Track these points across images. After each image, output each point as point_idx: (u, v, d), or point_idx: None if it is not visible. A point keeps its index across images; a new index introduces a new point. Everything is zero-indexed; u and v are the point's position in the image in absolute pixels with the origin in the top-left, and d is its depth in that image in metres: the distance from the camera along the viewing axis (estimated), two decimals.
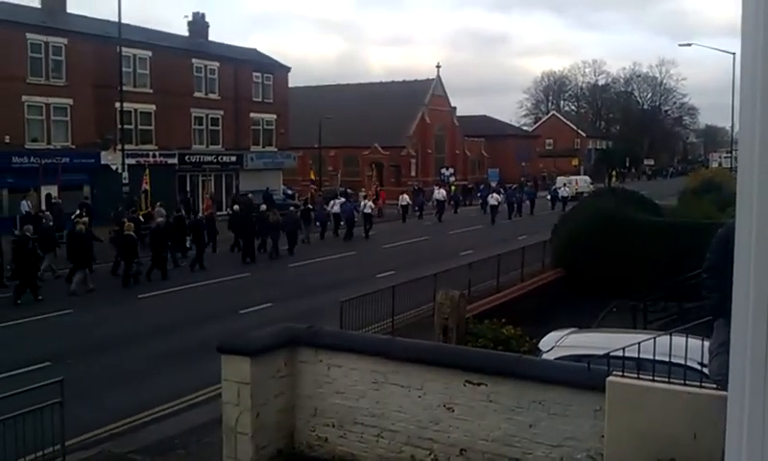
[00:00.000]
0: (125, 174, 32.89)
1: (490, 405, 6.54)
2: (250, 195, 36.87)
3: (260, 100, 47.63)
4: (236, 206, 32.38)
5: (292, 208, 28.38)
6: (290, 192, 48.84)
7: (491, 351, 8.15)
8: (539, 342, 9.70)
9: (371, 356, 7.19)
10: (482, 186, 55.68)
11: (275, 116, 48.78)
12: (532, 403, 6.35)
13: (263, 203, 32.83)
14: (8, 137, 32.88)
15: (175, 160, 41.10)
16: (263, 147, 48.14)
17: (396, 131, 62.56)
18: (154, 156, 39.83)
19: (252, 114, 47.02)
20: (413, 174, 62.99)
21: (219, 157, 44.57)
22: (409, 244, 31.97)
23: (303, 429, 7.49)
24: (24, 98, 34.01)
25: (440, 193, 46.50)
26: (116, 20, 32.56)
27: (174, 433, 9.58)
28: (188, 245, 26.46)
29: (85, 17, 40.65)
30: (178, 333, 16.11)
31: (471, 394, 6.61)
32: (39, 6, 39.48)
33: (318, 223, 34.68)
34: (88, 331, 16.52)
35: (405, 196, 44.75)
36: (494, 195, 44.85)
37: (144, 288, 21.39)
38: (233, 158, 45.40)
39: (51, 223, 24.80)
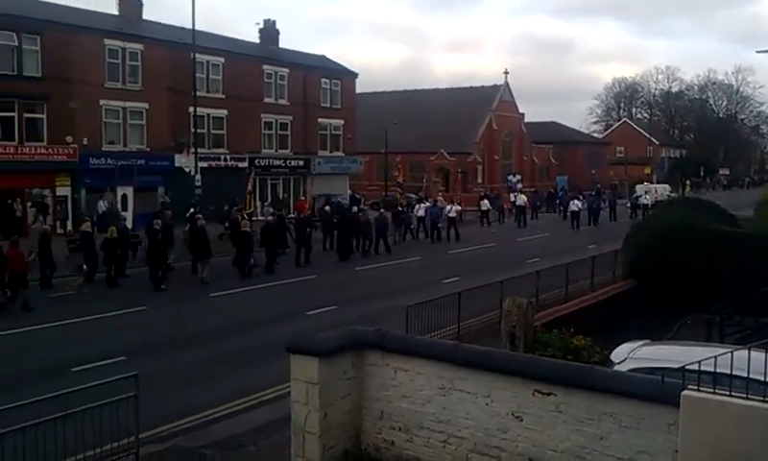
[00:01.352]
0: (197, 176, 33.76)
1: (559, 416, 6.43)
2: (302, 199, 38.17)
3: (328, 105, 48.21)
4: (327, 207, 33.59)
5: (361, 212, 29.63)
6: (357, 197, 49.21)
7: (561, 361, 8.01)
8: (610, 353, 9.50)
9: (437, 362, 7.16)
10: (561, 193, 54.94)
11: (342, 122, 49.28)
12: (603, 415, 6.22)
13: (351, 205, 34.95)
14: (86, 139, 34.20)
15: (245, 164, 41.92)
16: (330, 152, 48.69)
17: (463, 137, 62.32)
18: (225, 159, 40.80)
19: (319, 120, 47.63)
20: (479, 180, 62.62)
21: (287, 162, 45.30)
22: (477, 250, 31.78)
23: (370, 431, 7.53)
24: (102, 102, 35.30)
25: (520, 199, 46.21)
26: (190, 27, 33.56)
27: (243, 430, 9.76)
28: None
29: (160, 24, 41.98)
30: (248, 332, 16.43)
31: (540, 403, 6.52)
32: (117, 13, 40.91)
33: (403, 225, 35.35)
34: (163, 327, 17.05)
35: (486, 201, 44.87)
36: (576, 201, 44.26)
37: (221, 286, 21.90)
38: (301, 163, 46.06)
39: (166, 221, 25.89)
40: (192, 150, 34.91)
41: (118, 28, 37.10)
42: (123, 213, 28.84)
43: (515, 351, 10.36)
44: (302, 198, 42.71)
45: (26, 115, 32.58)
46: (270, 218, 27.18)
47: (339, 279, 24.18)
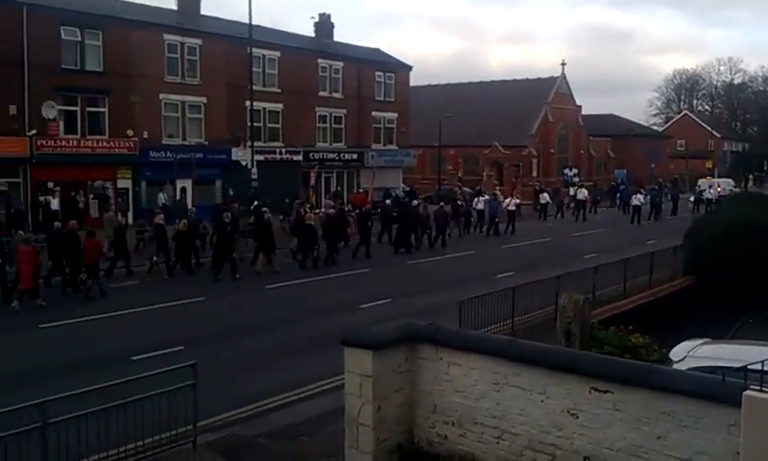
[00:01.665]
0: (254, 170, 34.24)
1: (616, 414, 6.33)
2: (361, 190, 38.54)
3: (382, 99, 48.29)
4: (387, 201, 34.07)
5: (415, 204, 30.04)
6: (409, 189, 49.20)
7: (618, 359, 7.88)
8: (669, 352, 9.30)
9: (491, 357, 7.13)
10: (622, 187, 53.98)
11: (396, 115, 49.30)
12: (661, 414, 6.10)
13: (406, 198, 35.79)
14: (146, 133, 35.00)
15: (300, 157, 42.38)
16: (384, 145, 48.77)
17: (518, 130, 61.61)
18: (280, 152, 41.28)
19: (373, 113, 47.74)
20: (534, 174, 61.82)
21: (341, 155, 45.55)
22: (533, 244, 31.45)
23: (423, 425, 7.54)
24: (161, 96, 36.06)
25: (581, 193, 45.61)
26: (247, 22, 34.00)
27: (298, 420, 9.87)
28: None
29: (218, 19, 42.64)
30: (303, 323, 16.59)
31: (597, 401, 6.43)
32: (176, 8, 41.72)
33: (462, 218, 35.40)
34: (220, 318, 17.36)
35: (545, 195, 44.55)
36: (638, 196, 43.43)
37: (278, 278, 22.28)
38: (355, 156, 46.27)
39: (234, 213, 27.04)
40: (249, 143, 35.43)
41: (177, 23, 37.82)
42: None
43: (570, 347, 10.22)
44: (360, 190, 42.92)
45: (88, 109, 33.50)
46: (331, 211, 27.57)
47: (392, 273, 24.23)
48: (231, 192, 33.26)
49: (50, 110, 31.43)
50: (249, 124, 35.71)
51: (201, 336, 15.03)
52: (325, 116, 44.81)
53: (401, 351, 7.44)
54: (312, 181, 33.95)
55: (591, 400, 6.46)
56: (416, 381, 7.53)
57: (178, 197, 33.99)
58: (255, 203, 29.98)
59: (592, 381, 6.45)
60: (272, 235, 24.04)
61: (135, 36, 34.37)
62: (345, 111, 45.72)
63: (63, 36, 32.25)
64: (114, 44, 33.73)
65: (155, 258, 23.00)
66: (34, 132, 30.99)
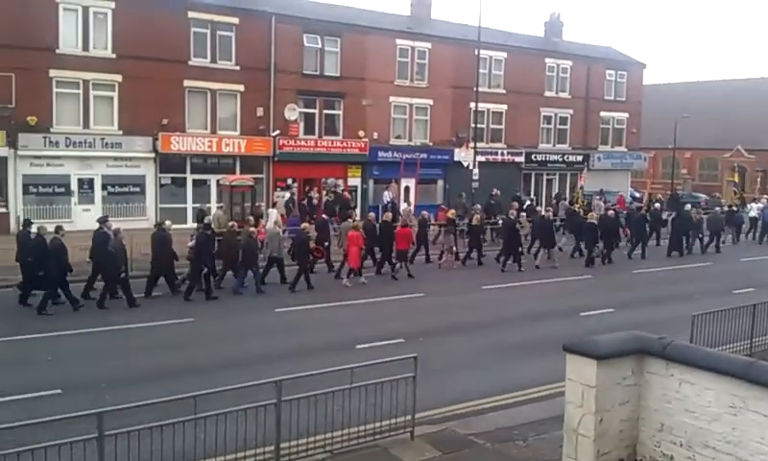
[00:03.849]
0: (475, 171, 34.54)
1: None
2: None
3: (612, 98, 46.35)
4: (657, 205, 33.78)
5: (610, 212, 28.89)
6: (637, 195, 46.84)
7: None
8: None
9: (729, 378, 6.57)
10: None
11: (626, 115, 47.07)
12: None
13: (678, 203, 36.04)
14: (376, 134, 36.67)
15: (521, 159, 41.99)
16: (611, 147, 46.78)
17: (765, 132, 56.06)
18: (502, 153, 41.21)
19: (602, 113, 45.97)
20: None
21: (565, 157, 44.41)
22: None
23: (647, 443, 7.16)
24: (391, 99, 37.55)
25: None
26: (475, 25, 34.30)
27: (512, 424, 9.82)
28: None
29: (447, 22, 43.50)
30: (520, 327, 16.48)
31: None
32: (409, 13, 43.19)
33: (734, 226, 34.18)
34: (439, 314, 17.75)
35: None
36: None
37: (501, 279, 22.42)
38: (579, 158, 44.88)
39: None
40: (471, 144, 35.72)
41: (408, 28, 39.16)
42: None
43: None
44: (637, 194, 43.90)
45: (325, 112, 35.82)
46: (611, 212, 28.02)
47: (616, 282, 23.20)
48: (464, 195, 33.68)
49: (292, 112, 34.08)
50: (472, 125, 36.01)
51: (421, 330, 15.44)
52: (550, 117, 43.94)
53: (628, 362, 7.12)
54: (581, 182, 34.29)
55: None
56: (642, 396, 7.16)
57: (401, 196, 35.31)
58: (528, 202, 31.83)
59: None
60: (552, 232, 25.89)
61: (370, 42, 36.14)
62: (571, 112, 44.51)
63: (306, 44, 34.74)
64: (350, 50, 35.71)
65: (454, 248, 24.64)
66: (277, 132, 33.78)
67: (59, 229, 17.55)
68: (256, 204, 29.09)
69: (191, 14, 31.64)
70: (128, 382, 11.64)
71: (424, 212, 27.19)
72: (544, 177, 43.97)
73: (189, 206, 31.92)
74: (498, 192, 33.39)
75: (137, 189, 31.29)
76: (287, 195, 33.01)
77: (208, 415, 7.60)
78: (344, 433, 8.59)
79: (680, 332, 12.26)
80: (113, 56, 29.98)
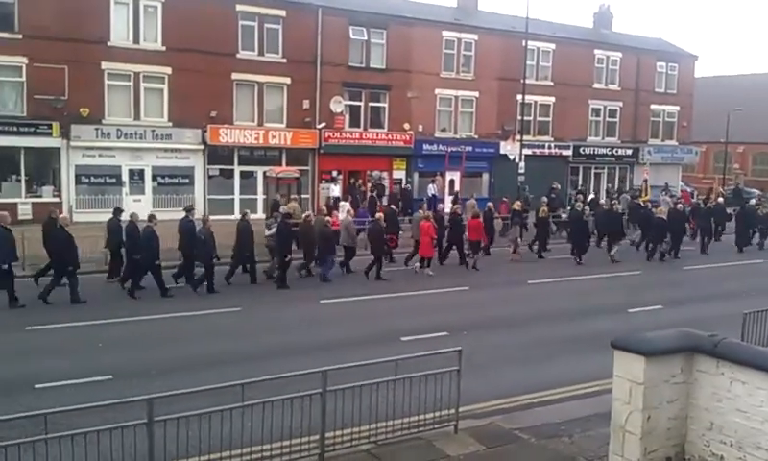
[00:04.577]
0: (521, 164, 34.22)
1: None
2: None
3: (662, 91, 45.42)
4: (721, 199, 33.81)
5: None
6: (689, 190, 45.83)
7: None
8: None
9: None
10: None
11: (677, 108, 46.09)
12: None
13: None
14: (421, 126, 36.61)
15: (569, 152, 41.48)
16: (662, 140, 45.88)
17: None
18: (549, 147, 40.75)
19: (652, 106, 45.11)
20: None
21: (614, 150, 43.72)
22: None
23: (696, 442, 7.02)
24: (437, 91, 37.41)
25: None
26: (523, 16, 33.93)
27: (558, 420, 9.72)
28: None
29: (494, 14, 43.12)
30: (566, 322, 16.27)
31: None
32: (456, 5, 42.92)
33: None
34: (484, 307, 17.71)
35: None
36: None
37: (552, 273, 22.31)
38: (629, 152, 44.15)
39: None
40: (517, 137, 35.40)
41: (455, 19, 38.93)
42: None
43: None
44: (687, 189, 43.40)
45: (371, 104, 35.88)
46: (679, 206, 28.05)
47: (666, 278, 22.78)
48: (527, 188, 33.55)
49: (337, 105, 34.23)
50: (519, 117, 35.65)
51: (465, 324, 15.39)
52: (599, 109, 43.27)
53: (677, 360, 6.99)
54: (645, 176, 35.23)
55: None
56: (691, 395, 7.03)
57: (446, 189, 35.17)
58: (591, 196, 32.54)
59: None
60: (621, 224, 26.19)
61: (416, 34, 36.05)
62: (620, 104, 43.76)
63: (352, 36, 34.81)
64: (396, 42, 35.69)
65: (519, 240, 25.08)
66: (323, 124, 33.96)
67: (152, 217, 18.12)
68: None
69: (239, 7, 32.00)
70: (177, 369, 11.89)
71: (490, 204, 26.96)
72: (592, 170, 43.35)
73: (237, 197, 32.42)
74: (558, 186, 33.19)
75: (186, 181, 31.84)
76: (333, 188, 33.13)
77: (255, 403, 7.71)
78: (388, 425, 8.62)
79: (731, 330, 12.02)
80: (163, 48, 30.54)
